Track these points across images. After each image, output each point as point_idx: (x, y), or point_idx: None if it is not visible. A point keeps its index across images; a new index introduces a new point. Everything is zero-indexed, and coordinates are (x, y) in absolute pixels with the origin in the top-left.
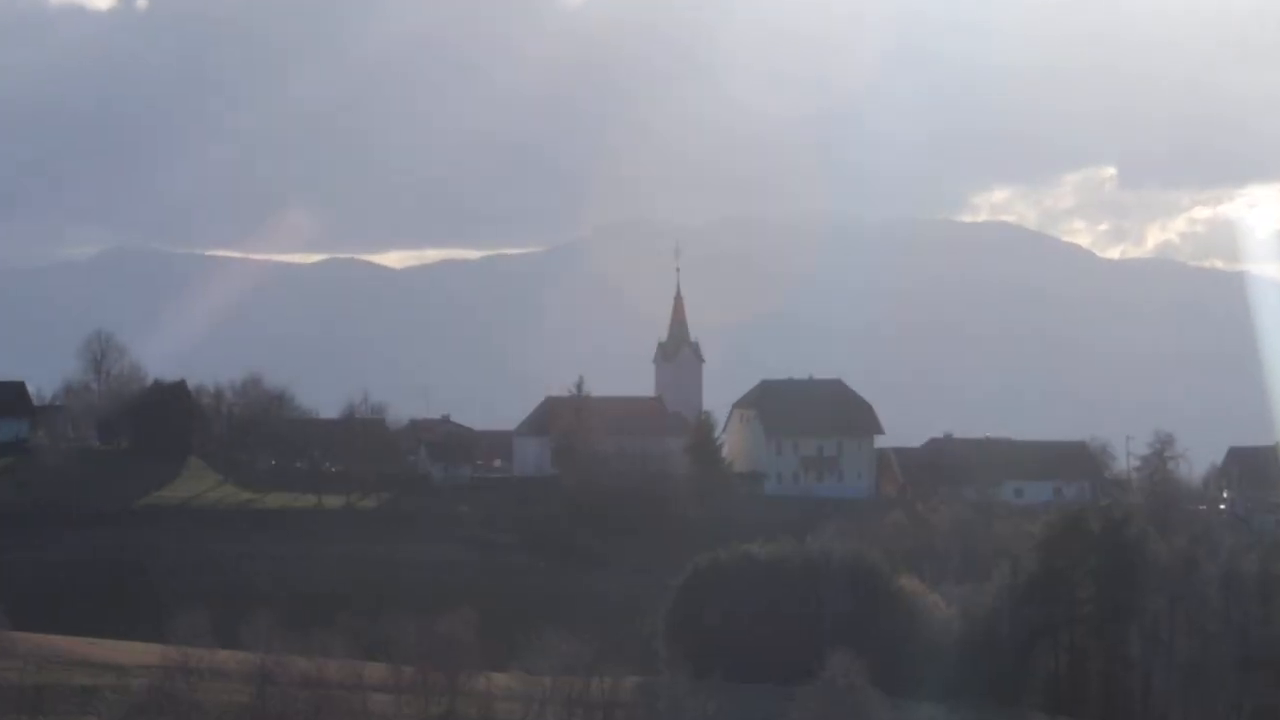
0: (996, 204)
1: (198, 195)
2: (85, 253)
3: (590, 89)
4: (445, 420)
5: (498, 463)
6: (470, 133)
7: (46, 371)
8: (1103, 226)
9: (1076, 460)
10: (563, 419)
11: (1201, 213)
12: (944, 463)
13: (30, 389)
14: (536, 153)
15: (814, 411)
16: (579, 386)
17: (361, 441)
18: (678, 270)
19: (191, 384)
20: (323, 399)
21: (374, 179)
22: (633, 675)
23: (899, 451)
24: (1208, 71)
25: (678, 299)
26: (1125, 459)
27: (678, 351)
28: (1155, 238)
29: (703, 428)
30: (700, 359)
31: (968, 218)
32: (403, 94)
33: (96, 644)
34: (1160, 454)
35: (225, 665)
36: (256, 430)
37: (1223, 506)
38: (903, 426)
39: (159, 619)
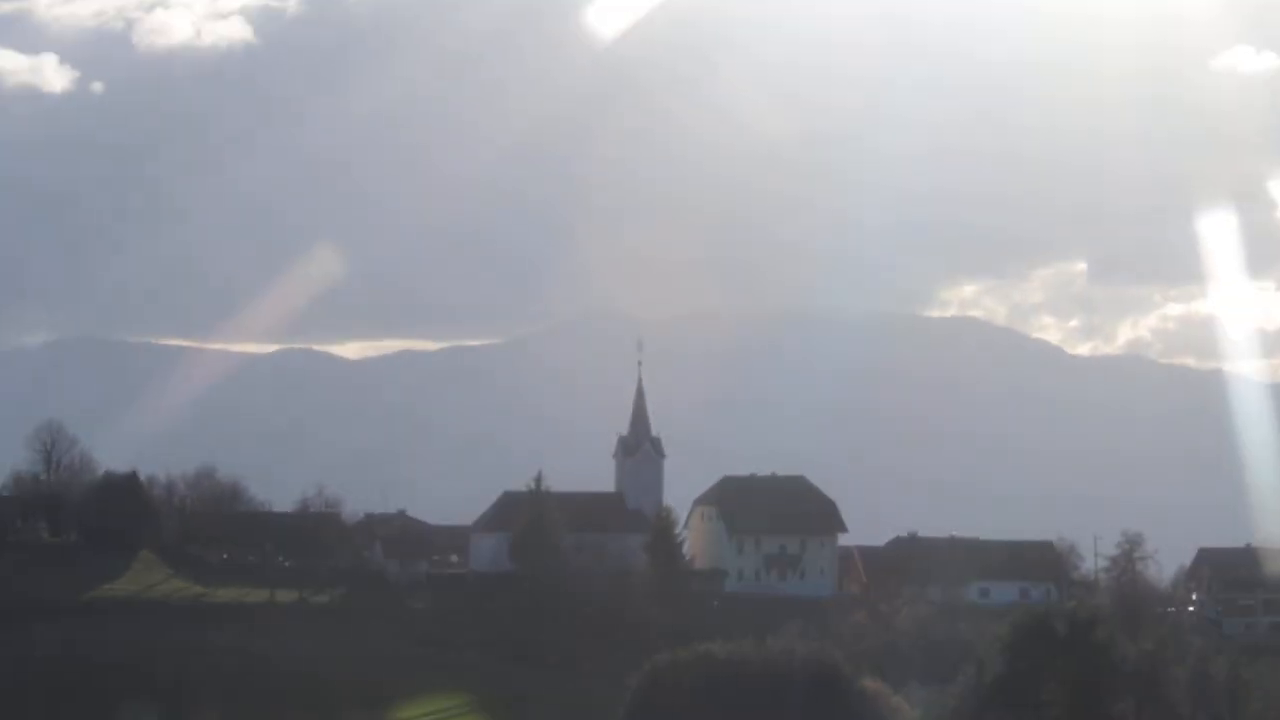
0: (965, 299)
1: (151, 283)
2: (35, 340)
3: (550, 178)
4: (401, 515)
5: (454, 558)
6: (428, 223)
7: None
8: (1073, 323)
9: (1043, 560)
10: (521, 515)
11: (1174, 309)
12: (908, 562)
13: None
14: (495, 244)
15: (776, 509)
16: (537, 482)
17: (316, 536)
18: (639, 365)
19: (143, 476)
20: (277, 492)
21: (330, 268)
22: None
23: (863, 550)
24: (1177, 164)
25: (639, 394)
26: (1093, 559)
27: (639, 447)
28: (1126, 334)
29: (663, 524)
30: (661, 454)
31: (935, 313)
32: (358, 183)
33: None
34: (1128, 554)
35: None
36: (209, 524)
37: (1192, 609)
38: (866, 525)
39: (106, 718)
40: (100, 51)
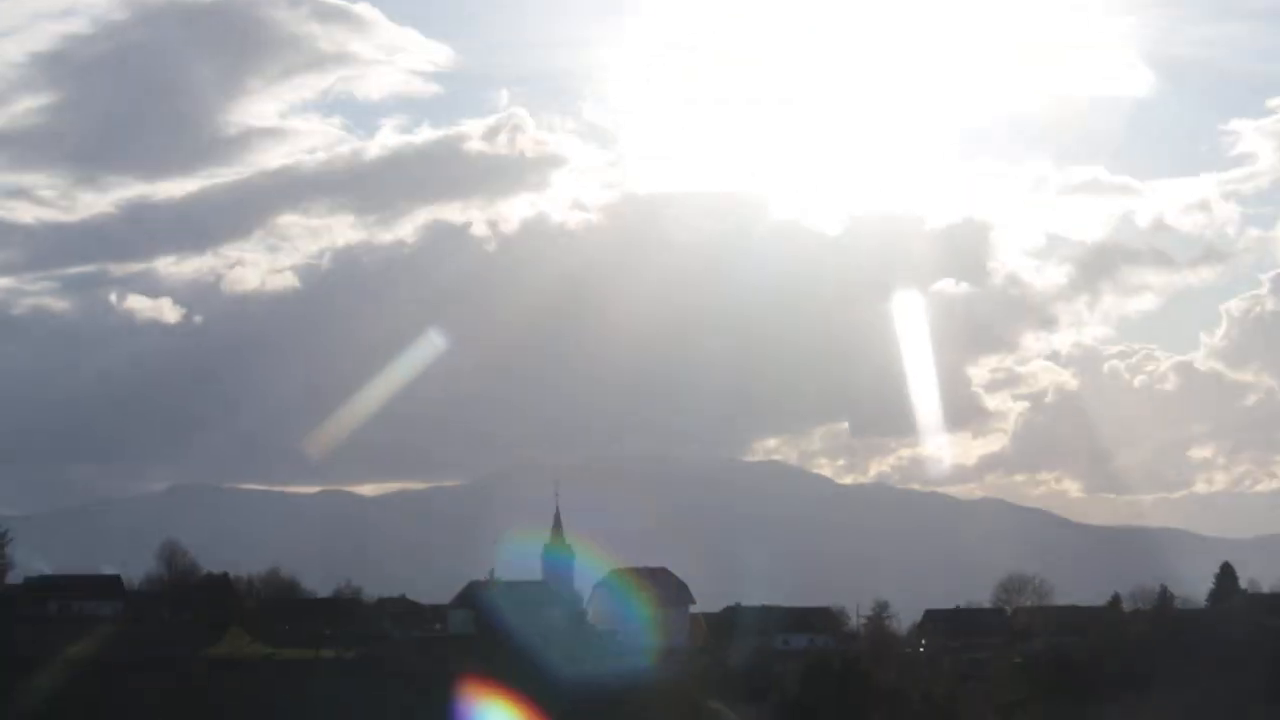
0: (770, 448)
1: (235, 445)
2: (159, 486)
3: (500, 374)
4: (402, 598)
5: (438, 626)
6: (416, 404)
7: (135, 569)
8: (840, 462)
9: (824, 619)
10: (481, 596)
11: (905, 452)
12: (736, 622)
13: (124, 579)
14: (463, 416)
15: (649, 588)
16: (491, 574)
17: (345, 613)
18: (556, 496)
19: (231, 575)
20: (320, 584)
21: (357, 433)
22: None
23: (707, 615)
24: (906, 356)
25: (557, 515)
26: (855, 617)
27: (557, 550)
28: (875, 468)
29: (574, 601)
30: (573, 555)
31: (750, 457)
32: (367, 378)
33: None
34: (879, 614)
35: None
36: (275, 606)
37: (922, 649)
38: (709, 597)
39: None
40: (200, 295)
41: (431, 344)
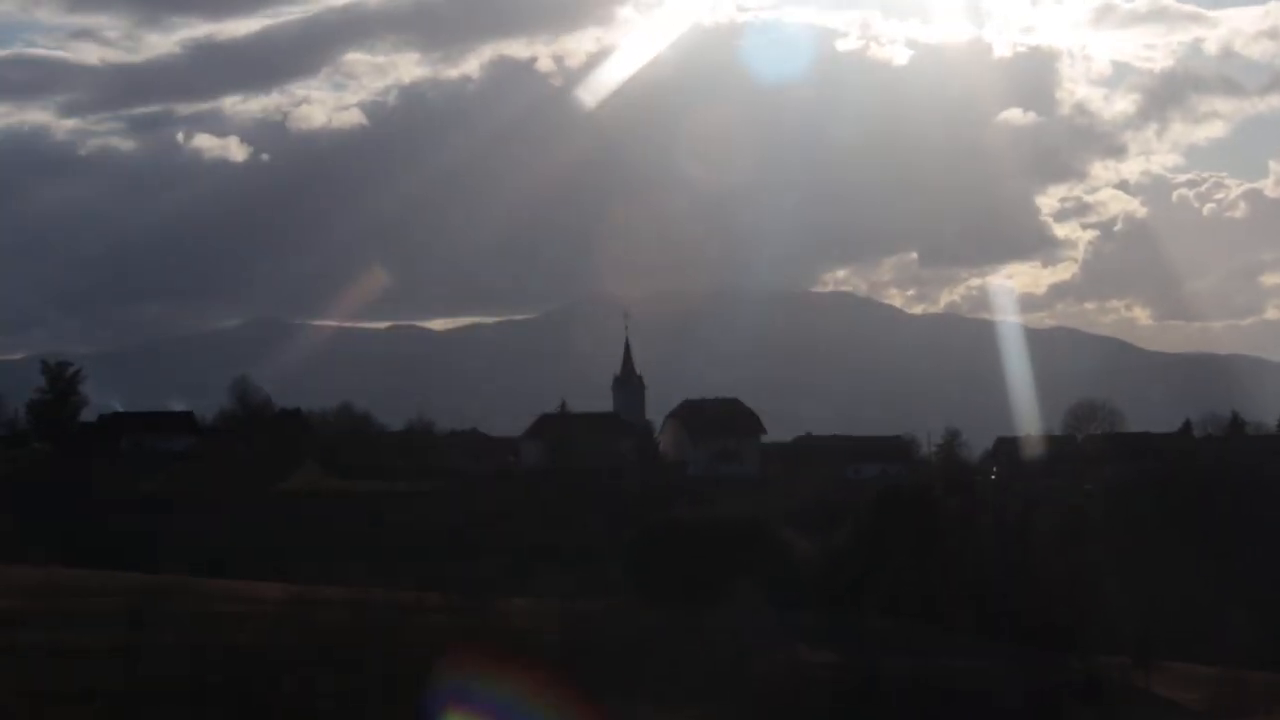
0: (839, 279)
1: (308, 281)
2: (231, 323)
3: (568, 204)
4: (473, 431)
5: (511, 459)
6: (487, 233)
7: (208, 405)
8: (910, 292)
9: (895, 448)
10: (553, 428)
11: (975, 281)
12: (807, 452)
13: (197, 415)
14: (534, 248)
15: (720, 420)
16: (562, 406)
17: (418, 446)
18: (626, 328)
19: (304, 410)
20: (391, 419)
21: (425, 266)
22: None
23: (778, 445)
24: (974, 186)
25: (626, 347)
26: (927, 446)
27: (628, 382)
28: (945, 299)
29: (645, 433)
30: (644, 386)
31: (819, 289)
32: (443, 208)
33: (252, 584)
34: (950, 443)
35: (332, 597)
36: (348, 440)
37: (993, 477)
38: (780, 427)
39: (291, 569)
40: (266, 133)
41: (503, 173)
